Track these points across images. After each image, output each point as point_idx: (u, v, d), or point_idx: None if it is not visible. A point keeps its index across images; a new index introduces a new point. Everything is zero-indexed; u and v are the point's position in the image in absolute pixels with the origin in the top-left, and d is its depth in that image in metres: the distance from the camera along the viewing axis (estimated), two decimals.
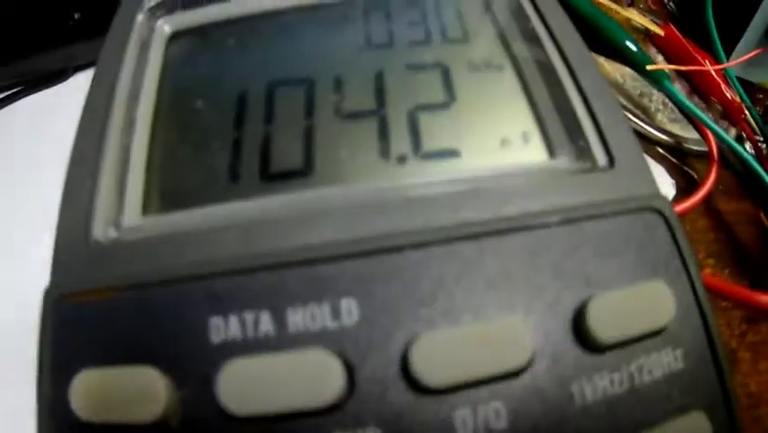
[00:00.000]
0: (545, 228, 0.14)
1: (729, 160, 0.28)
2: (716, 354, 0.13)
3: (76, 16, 0.27)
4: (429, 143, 0.16)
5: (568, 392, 0.12)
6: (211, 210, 0.15)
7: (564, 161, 0.16)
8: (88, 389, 0.12)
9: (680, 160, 0.28)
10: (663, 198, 0.14)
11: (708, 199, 0.27)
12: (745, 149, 0.26)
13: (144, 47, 0.18)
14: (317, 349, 0.12)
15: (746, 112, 0.29)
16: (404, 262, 0.13)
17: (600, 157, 0.15)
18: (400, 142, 0.16)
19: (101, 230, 0.14)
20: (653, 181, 0.15)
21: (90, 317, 0.13)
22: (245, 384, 0.12)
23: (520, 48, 0.18)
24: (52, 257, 0.14)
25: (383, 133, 0.16)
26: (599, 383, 0.12)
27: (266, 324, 0.12)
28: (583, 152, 0.16)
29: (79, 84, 0.28)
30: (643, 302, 0.13)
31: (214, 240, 0.13)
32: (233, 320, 0.12)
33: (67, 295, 0.13)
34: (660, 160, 0.28)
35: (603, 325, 0.12)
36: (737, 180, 0.29)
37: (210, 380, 0.12)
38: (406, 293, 0.13)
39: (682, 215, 0.25)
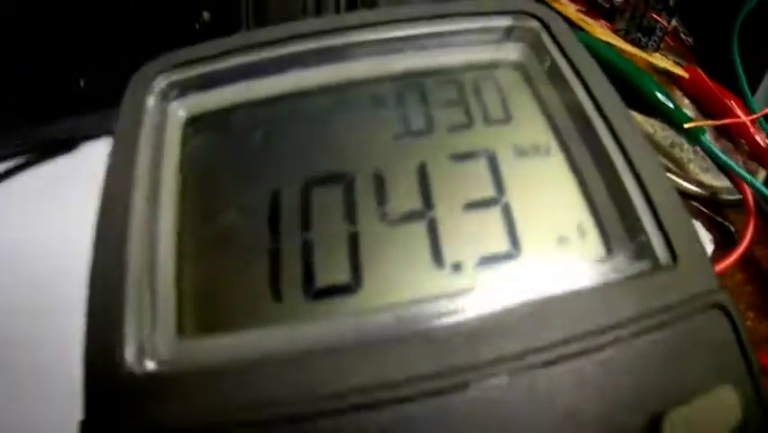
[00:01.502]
0: (617, 345, 0.13)
1: (763, 208, 0.28)
2: None
3: (81, 83, 0.26)
4: (484, 248, 0.15)
5: None
6: (254, 335, 0.14)
7: (624, 260, 0.15)
8: None
9: (714, 211, 0.28)
10: (725, 294, 0.14)
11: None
12: None
13: (158, 135, 0.18)
14: None
15: None
16: (474, 400, 0.12)
17: (662, 254, 0.15)
18: (453, 247, 0.15)
19: (135, 359, 0.14)
20: (712, 273, 0.15)
21: None
22: None
23: (566, 126, 0.18)
24: (84, 385, 0.13)
25: (434, 239, 0.15)
26: None
27: None
28: (644, 248, 0.15)
29: (87, 154, 0.28)
30: (712, 412, 0.13)
31: (265, 377, 0.13)
32: None
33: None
34: (696, 214, 0.28)
35: None
36: None
37: None
38: None
39: (723, 273, 0.25)
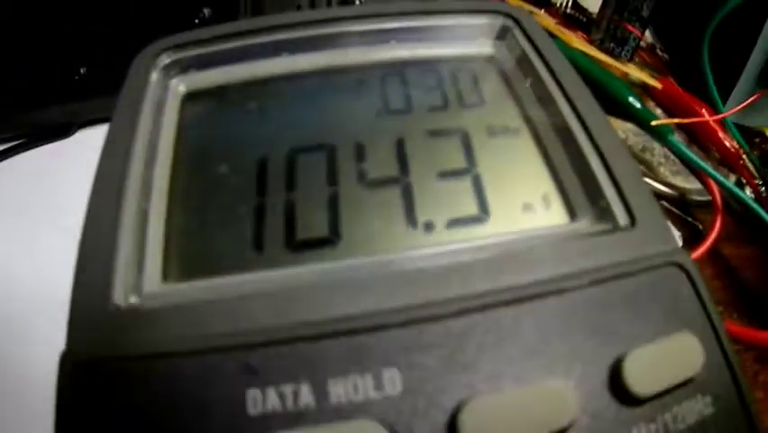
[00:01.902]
0: (577, 290, 0.15)
1: (732, 206, 0.30)
2: (742, 397, 0.14)
3: (82, 71, 0.28)
4: (454, 211, 0.17)
5: None
6: (235, 279, 0.15)
7: (586, 223, 0.17)
8: None
9: (683, 211, 0.30)
10: (684, 253, 0.16)
11: (712, 247, 0.28)
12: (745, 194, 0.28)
13: (159, 107, 0.19)
14: (363, 420, 0.13)
15: (744, 157, 0.31)
16: (444, 330, 0.14)
17: (622, 217, 0.16)
18: (426, 209, 0.17)
19: (121, 295, 0.15)
20: (672, 237, 0.16)
21: (114, 386, 0.13)
22: None
23: (536, 111, 0.20)
24: (69, 319, 0.14)
25: (408, 201, 0.17)
26: None
27: (306, 395, 0.13)
28: (605, 212, 0.17)
29: (83, 140, 0.29)
30: (674, 354, 0.14)
31: (245, 310, 0.14)
32: (272, 392, 0.13)
33: (87, 362, 0.13)
34: (666, 214, 0.29)
35: (639, 379, 0.13)
36: (739, 226, 0.31)
37: None
38: (449, 361, 0.13)
39: None
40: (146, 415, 0.13)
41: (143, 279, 0.15)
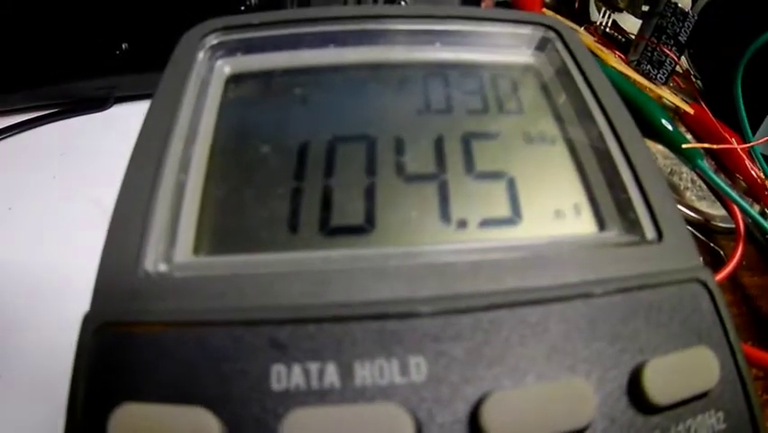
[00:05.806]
0: (603, 297, 0.15)
1: (754, 236, 0.30)
2: (753, 416, 0.14)
3: (123, 47, 0.28)
4: (488, 211, 0.17)
5: None
6: (267, 258, 0.16)
7: (615, 234, 0.17)
8: (131, 424, 0.12)
9: (706, 236, 0.30)
10: (707, 271, 0.16)
11: (732, 275, 0.28)
12: None
13: (203, 86, 0.20)
14: (387, 403, 0.13)
15: None
16: (472, 323, 0.14)
17: (649, 231, 0.17)
18: (460, 207, 0.17)
19: (152, 262, 0.15)
20: (696, 254, 0.17)
21: (137, 348, 0.13)
22: None
23: (572, 122, 0.20)
24: (95, 283, 0.14)
25: (444, 198, 0.17)
26: None
27: (331, 375, 0.13)
28: (633, 225, 0.17)
29: (119, 114, 0.29)
30: (691, 367, 0.14)
31: (276, 286, 0.14)
32: (297, 369, 0.13)
33: (112, 323, 0.14)
34: None
35: (657, 388, 0.14)
36: (760, 257, 0.30)
37: (271, 428, 0.12)
38: (474, 353, 0.13)
39: None
40: (163, 382, 0.13)
41: (175, 249, 0.16)
